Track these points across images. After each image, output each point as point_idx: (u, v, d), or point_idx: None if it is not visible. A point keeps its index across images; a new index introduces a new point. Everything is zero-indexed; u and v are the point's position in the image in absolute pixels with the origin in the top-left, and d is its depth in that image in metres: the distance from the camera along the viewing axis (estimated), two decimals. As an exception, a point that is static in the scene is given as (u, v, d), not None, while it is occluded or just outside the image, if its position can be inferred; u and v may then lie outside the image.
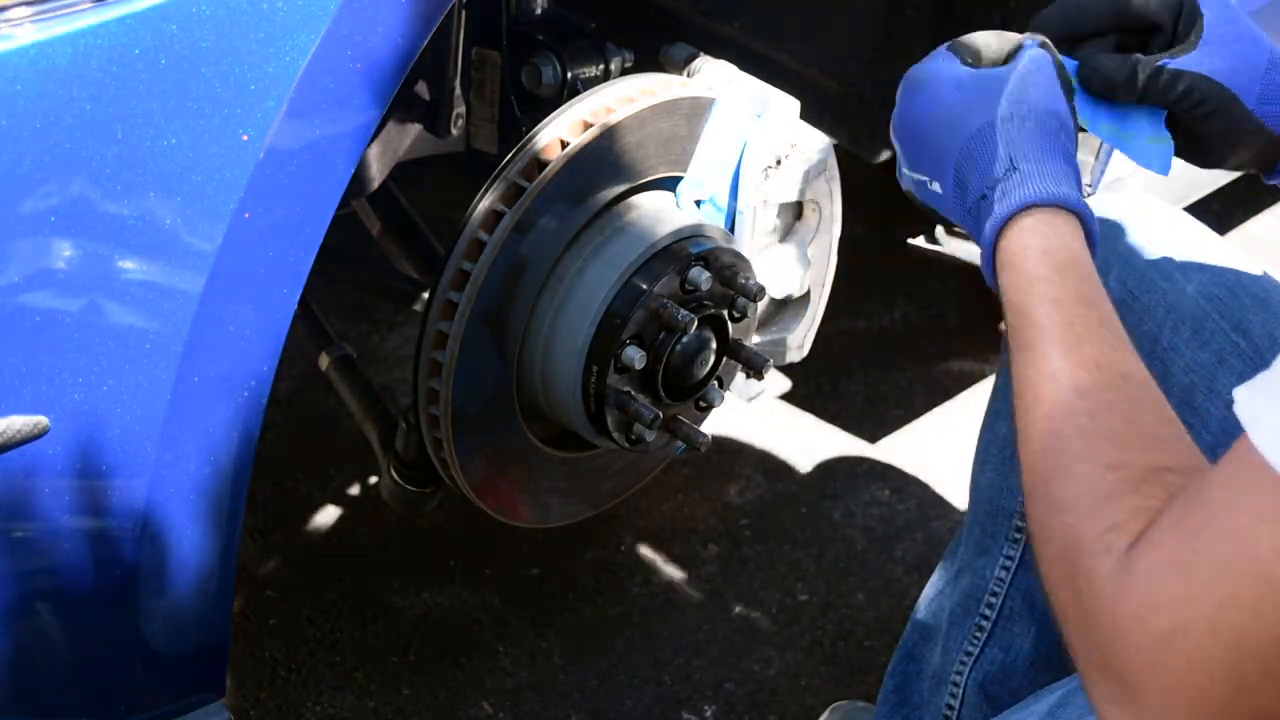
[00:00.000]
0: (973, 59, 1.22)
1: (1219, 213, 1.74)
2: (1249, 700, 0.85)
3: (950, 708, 1.59)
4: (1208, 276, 1.42)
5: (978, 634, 1.57)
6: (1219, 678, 0.84)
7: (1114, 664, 0.89)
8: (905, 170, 1.25)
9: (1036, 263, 1.07)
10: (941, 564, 1.67)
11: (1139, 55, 1.23)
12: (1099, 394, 1.00)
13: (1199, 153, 1.29)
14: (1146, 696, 0.87)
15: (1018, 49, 1.22)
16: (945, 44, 1.25)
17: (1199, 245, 1.46)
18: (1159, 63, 1.22)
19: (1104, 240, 1.40)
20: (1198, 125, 1.25)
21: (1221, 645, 0.84)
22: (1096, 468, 0.96)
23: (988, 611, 1.56)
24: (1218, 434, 1.38)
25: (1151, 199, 1.57)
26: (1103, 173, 1.89)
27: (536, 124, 1.56)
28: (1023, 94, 1.15)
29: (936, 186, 1.20)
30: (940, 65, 1.22)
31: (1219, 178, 2.34)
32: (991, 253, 1.11)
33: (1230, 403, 1.37)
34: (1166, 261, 1.45)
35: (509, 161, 1.55)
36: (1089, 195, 1.93)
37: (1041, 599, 1.53)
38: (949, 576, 1.63)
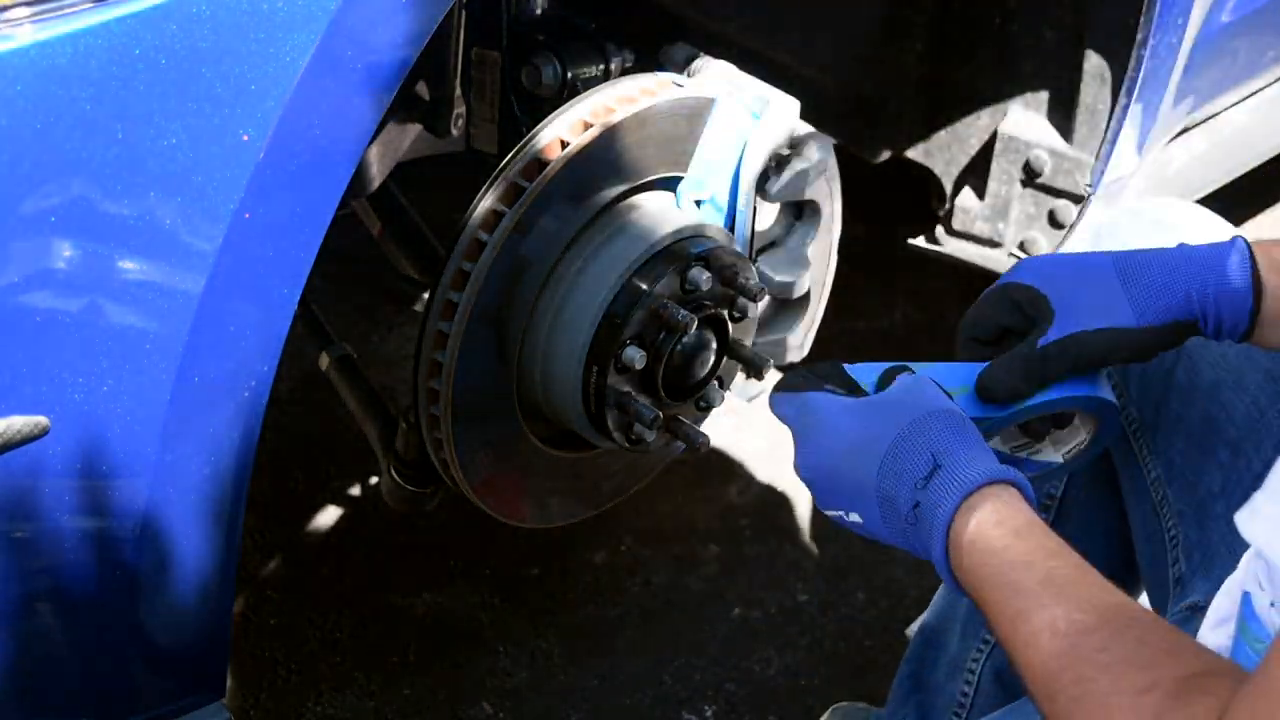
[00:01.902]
0: (846, 389, 1.24)
1: (1219, 212, 1.74)
2: None
3: (965, 694, 1.60)
4: None
5: (990, 636, 1.58)
6: None
7: None
8: (824, 510, 1.24)
9: (994, 536, 1.09)
10: None
11: (1020, 349, 1.26)
12: (1104, 628, 1.00)
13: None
14: None
15: (886, 379, 1.25)
16: (802, 375, 1.26)
17: (1220, 234, 1.47)
18: (1037, 347, 1.25)
19: (1134, 234, 1.42)
20: (1116, 364, 1.29)
21: None
22: (1130, 697, 0.95)
23: None
24: (1242, 427, 1.39)
25: (1171, 200, 1.59)
26: (1103, 173, 1.89)
27: (536, 124, 1.56)
28: (917, 403, 1.18)
29: (856, 517, 1.19)
30: (822, 402, 1.22)
31: (1218, 178, 2.35)
32: (944, 552, 1.12)
33: (1256, 399, 1.39)
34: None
35: (509, 161, 1.55)
36: (1089, 195, 1.94)
37: None
38: None
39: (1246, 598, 1.06)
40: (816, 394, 1.23)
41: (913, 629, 1.98)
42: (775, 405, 1.26)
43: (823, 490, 1.22)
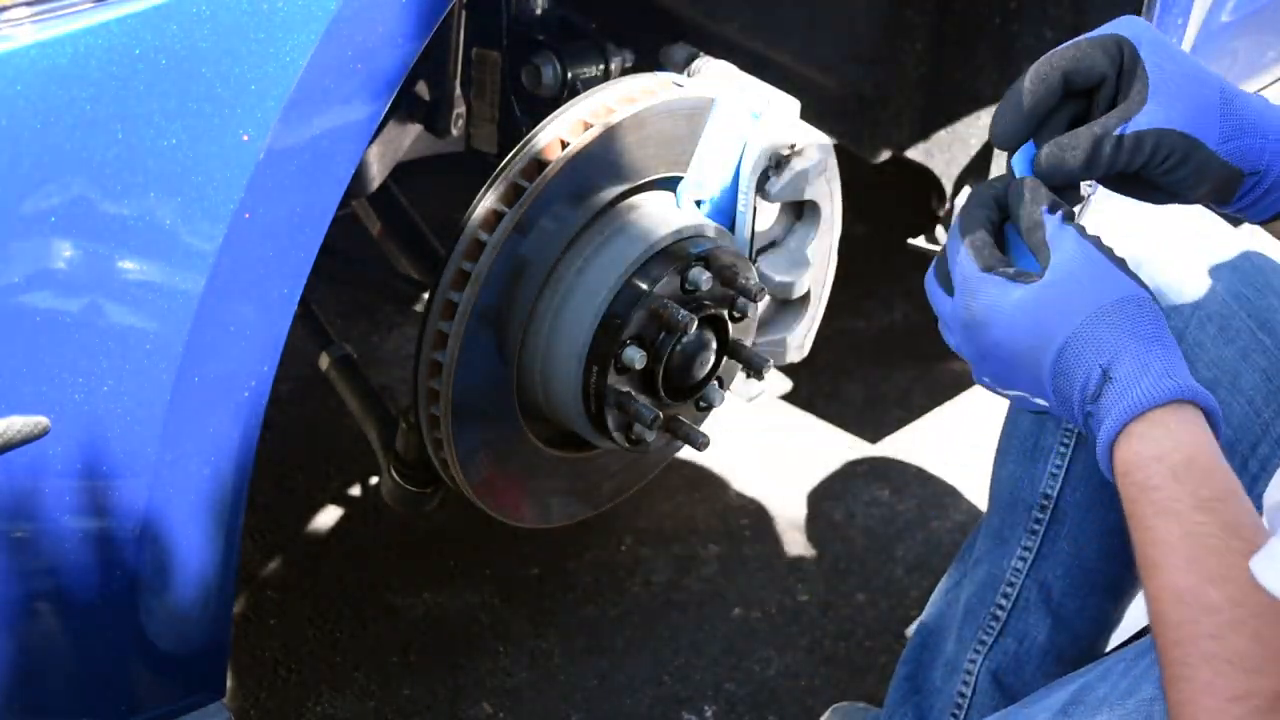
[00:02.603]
0: (1006, 265, 1.15)
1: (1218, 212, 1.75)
2: None
3: (962, 695, 1.60)
4: (1236, 276, 1.43)
5: (992, 624, 1.58)
6: None
7: None
8: (1000, 389, 1.17)
9: (1150, 472, 1.03)
10: (959, 555, 1.69)
11: (1094, 128, 1.16)
12: (1227, 611, 0.97)
13: (1162, 197, 1.23)
14: None
15: (1034, 222, 1.14)
16: (961, 242, 1.16)
17: (1228, 245, 1.47)
18: (1116, 131, 1.15)
19: (1136, 239, 1.42)
20: (1164, 177, 1.19)
21: None
22: (1221, 700, 0.94)
23: (1003, 602, 1.57)
24: (1239, 429, 1.38)
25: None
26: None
27: (536, 124, 1.56)
28: (1089, 293, 1.09)
29: (1041, 401, 1.14)
30: (991, 292, 1.13)
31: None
32: (1110, 470, 1.07)
33: (1252, 399, 1.38)
34: (1196, 260, 1.46)
35: (509, 161, 1.55)
36: (1090, 195, 1.94)
37: (1057, 591, 1.55)
38: (966, 566, 1.65)
39: None
40: (982, 278, 1.13)
41: (912, 629, 1.98)
42: (930, 284, 1.20)
43: (1000, 377, 1.15)
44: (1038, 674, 1.56)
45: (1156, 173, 1.18)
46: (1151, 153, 1.16)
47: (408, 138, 1.81)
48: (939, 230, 2.09)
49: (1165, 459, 1.03)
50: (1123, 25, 1.19)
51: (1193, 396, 1.05)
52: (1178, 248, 1.47)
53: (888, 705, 1.70)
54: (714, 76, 1.70)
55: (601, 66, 1.75)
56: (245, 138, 1.17)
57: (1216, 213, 1.34)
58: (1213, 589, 0.98)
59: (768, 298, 1.78)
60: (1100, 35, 1.18)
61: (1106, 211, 1.48)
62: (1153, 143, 1.15)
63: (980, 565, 1.61)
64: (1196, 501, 1.02)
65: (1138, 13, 1.75)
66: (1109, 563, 1.54)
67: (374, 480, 2.27)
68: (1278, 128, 1.20)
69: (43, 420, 1.17)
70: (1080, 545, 1.54)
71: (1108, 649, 1.61)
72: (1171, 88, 1.16)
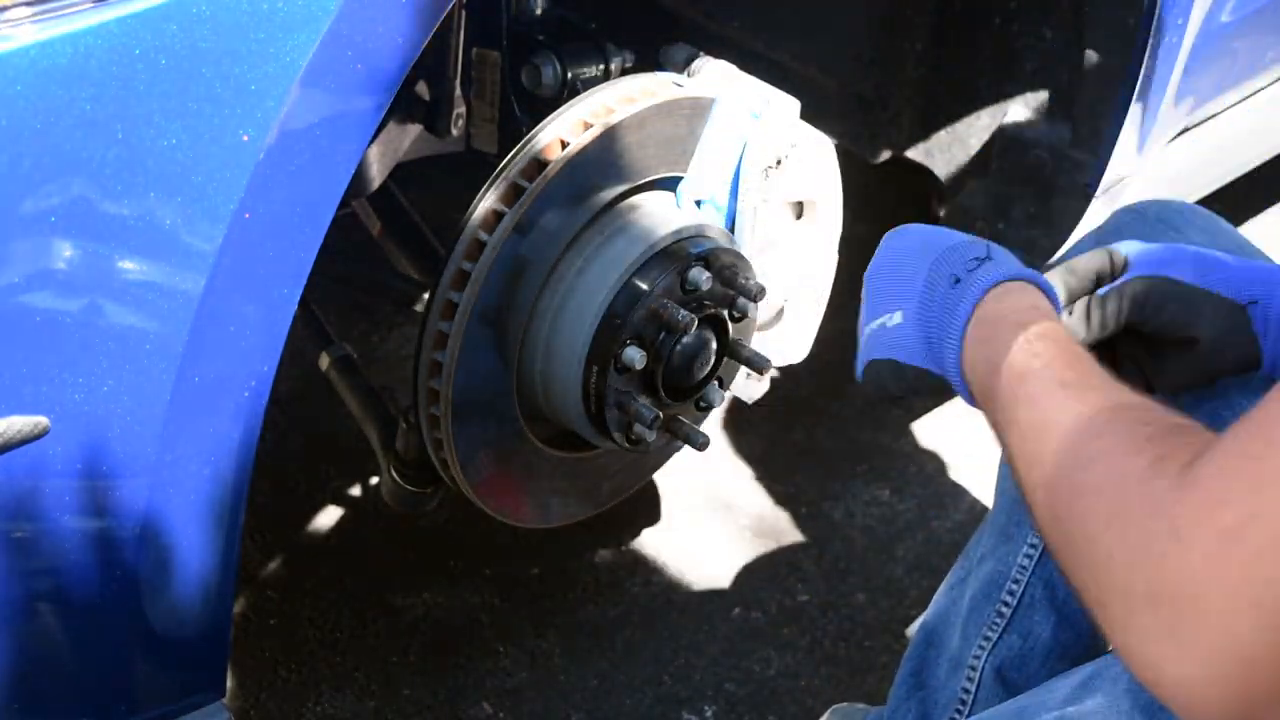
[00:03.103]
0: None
1: (1221, 213, 1.74)
2: None
3: (967, 691, 1.60)
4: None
5: (997, 620, 1.58)
6: None
7: (1169, 580, 0.84)
8: (867, 323, 1.31)
9: (1022, 316, 1.14)
10: (964, 551, 1.69)
11: (1087, 299, 1.30)
12: (1109, 412, 0.99)
13: (1180, 365, 1.32)
14: (1206, 604, 0.82)
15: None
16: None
17: (1222, 236, 1.49)
18: (1098, 294, 1.29)
19: (1137, 234, 1.45)
20: (1162, 328, 1.29)
21: None
22: (1125, 438, 0.95)
23: (1009, 598, 1.58)
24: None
25: (1172, 199, 1.60)
26: (1103, 173, 1.89)
27: (536, 124, 1.56)
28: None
29: (897, 318, 1.25)
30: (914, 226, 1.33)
31: (1218, 177, 2.35)
32: (961, 334, 1.18)
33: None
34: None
35: (509, 161, 1.55)
36: (1089, 195, 1.94)
37: (1063, 588, 1.55)
38: (972, 562, 1.65)
39: None
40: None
41: (913, 629, 1.98)
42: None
43: (878, 289, 1.30)
44: (1042, 671, 1.57)
45: (1149, 323, 1.29)
46: (1132, 300, 1.28)
47: (408, 138, 1.81)
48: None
49: (1034, 312, 1.16)
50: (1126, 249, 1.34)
51: (1047, 287, 1.20)
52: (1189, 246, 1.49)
53: (891, 702, 1.70)
54: (714, 76, 1.70)
55: (601, 66, 1.75)
56: (245, 138, 1.17)
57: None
58: (1092, 402, 1.02)
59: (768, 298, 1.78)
60: (1096, 253, 1.33)
61: (1106, 211, 1.51)
62: (1132, 291, 1.28)
63: (986, 562, 1.61)
64: (1062, 348, 1.10)
65: (1137, 13, 1.75)
66: None
67: (374, 480, 2.27)
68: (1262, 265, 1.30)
69: (43, 420, 1.17)
70: None
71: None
72: (1146, 256, 1.32)
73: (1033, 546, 1.57)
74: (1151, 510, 0.87)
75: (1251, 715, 0.83)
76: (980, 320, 1.17)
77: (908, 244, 1.30)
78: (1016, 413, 1.07)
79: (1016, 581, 1.58)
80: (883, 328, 1.27)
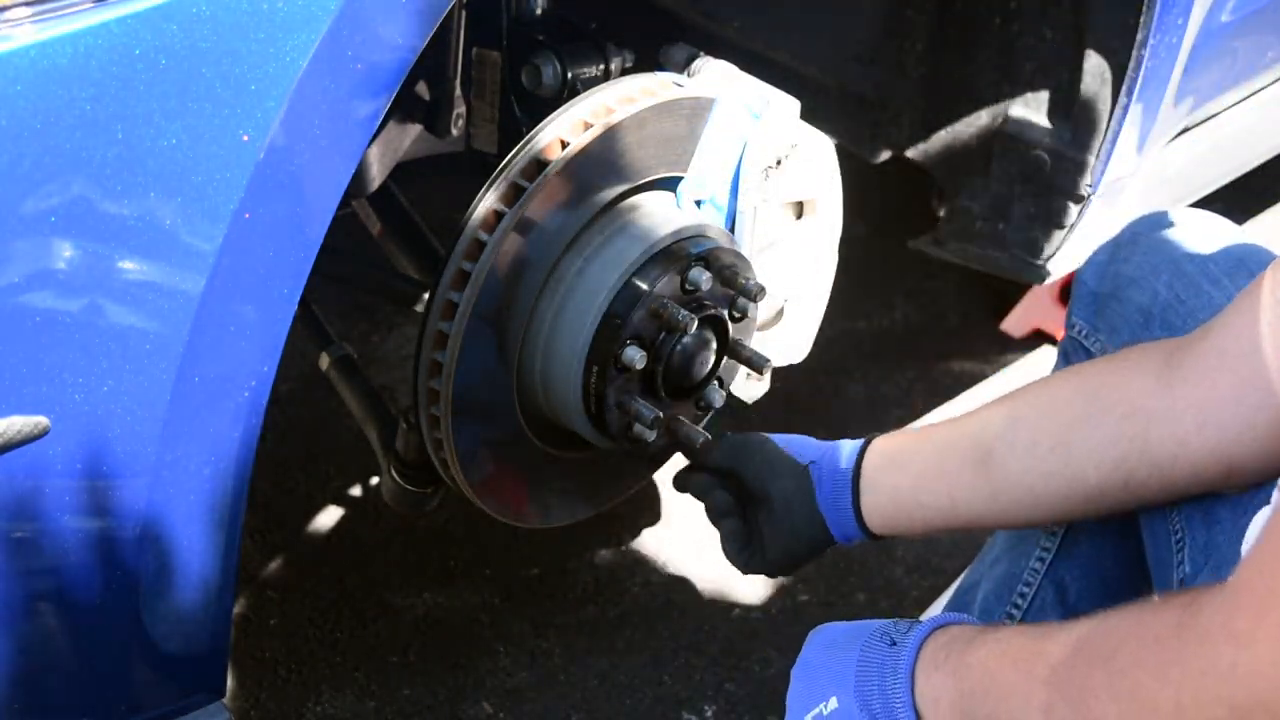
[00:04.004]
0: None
1: (1221, 213, 1.74)
2: None
3: None
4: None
5: (1008, 622, 1.58)
6: None
7: (1246, 687, 0.89)
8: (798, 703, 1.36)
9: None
10: (979, 555, 1.69)
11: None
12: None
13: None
14: None
15: None
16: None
17: (1243, 251, 1.50)
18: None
19: (1155, 246, 1.46)
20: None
21: None
22: (1133, 623, 1.03)
23: (1020, 601, 1.58)
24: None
25: (1192, 210, 1.61)
26: (1103, 173, 1.89)
27: (536, 124, 1.56)
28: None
29: (834, 702, 1.29)
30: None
31: (1218, 177, 2.35)
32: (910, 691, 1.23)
33: None
34: (1214, 267, 1.49)
35: (509, 161, 1.55)
36: (1090, 195, 1.94)
37: (1073, 591, 1.56)
38: (985, 565, 1.65)
39: None
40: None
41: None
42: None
43: (808, 680, 1.35)
44: None
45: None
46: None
47: (408, 138, 1.81)
48: (939, 230, 2.09)
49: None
50: None
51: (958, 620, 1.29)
52: (1198, 253, 1.52)
53: None
54: (714, 76, 1.70)
55: (601, 66, 1.74)
56: (245, 138, 1.17)
57: None
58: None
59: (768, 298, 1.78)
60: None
61: (1119, 219, 1.54)
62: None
63: (999, 565, 1.62)
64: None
65: (1137, 13, 1.75)
66: (1126, 568, 1.54)
67: (374, 480, 2.27)
68: None
69: (43, 420, 1.17)
70: (1099, 548, 1.55)
71: None
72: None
73: (1045, 550, 1.57)
74: (1203, 636, 0.91)
75: None
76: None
77: (834, 634, 1.37)
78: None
79: (1028, 585, 1.58)
80: (818, 718, 1.30)
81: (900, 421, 2.53)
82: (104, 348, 1.18)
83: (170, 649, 1.40)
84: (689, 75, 1.70)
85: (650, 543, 2.24)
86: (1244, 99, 2.25)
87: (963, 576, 1.71)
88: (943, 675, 1.19)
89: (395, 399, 2.34)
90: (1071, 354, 1.62)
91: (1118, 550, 1.54)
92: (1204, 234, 1.54)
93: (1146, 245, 1.56)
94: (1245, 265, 1.47)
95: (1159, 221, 1.59)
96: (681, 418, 1.67)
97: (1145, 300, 1.52)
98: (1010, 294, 2.66)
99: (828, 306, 1.88)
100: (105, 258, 1.15)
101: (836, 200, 1.80)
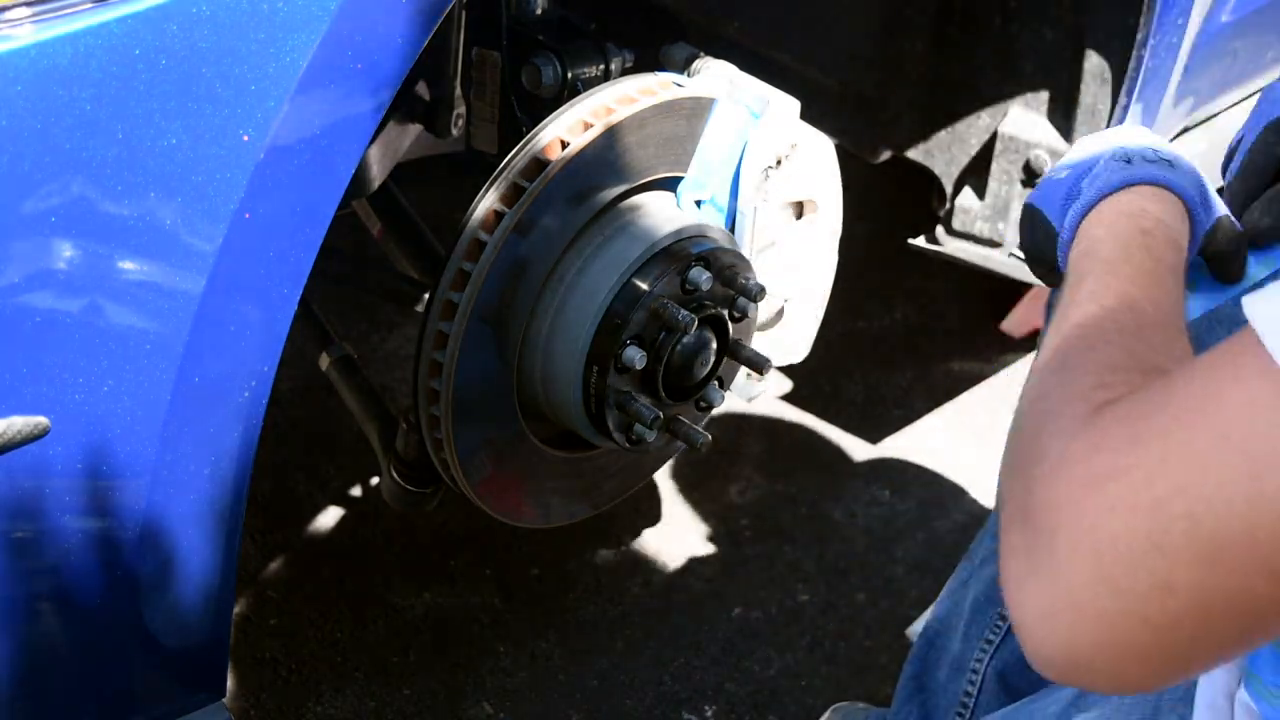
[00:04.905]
0: None
1: (1219, 213, 1.78)
2: (1161, 563, 0.77)
3: (968, 694, 1.60)
4: None
5: (1000, 623, 1.58)
6: (1138, 532, 0.78)
7: (1036, 505, 0.83)
8: (1050, 176, 1.28)
9: (1132, 211, 1.12)
10: (967, 553, 1.69)
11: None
12: (1110, 320, 0.97)
13: None
14: (1056, 540, 0.81)
15: None
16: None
17: None
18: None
19: None
20: None
21: (1151, 497, 0.78)
22: (1100, 355, 0.93)
23: None
24: None
25: None
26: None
27: (536, 124, 1.56)
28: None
29: (1065, 172, 1.24)
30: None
31: (1218, 178, 2.34)
32: (1079, 219, 1.14)
33: None
34: None
35: (509, 162, 1.55)
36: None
37: None
38: (974, 566, 1.65)
39: None
40: None
41: (914, 629, 1.98)
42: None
43: (1077, 153, 1.26)
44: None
45: None
46: None
47: (408, 138, 1.81)
48: (939, 230, 2.09)
49: (1146, 213, 1.14)
50: None
51: (1186, 195, 1.18)
52: None
53: (894, 704, 1.71)
54: (714, 76, 1.70)
55: (601, 66, 1.74)
56: (245, 138, 1.17)
57: None
58: (1107, 302, 1.00)
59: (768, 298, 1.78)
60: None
61: None
62: None
63: (988, 564, 1.61)
64: (1141, 239, 1.09)
65: (1137, 13, 1.75)
66: None
67: (374, 480, 2.27)
68: None
69: (43, 420, 1.17)
70: None
71: None
72: None
73: None
74: (1057, 431, 0.86)
75: (1072, 664, 0.81)
76: (1108, 207, 1.14)
77: (1124, 132, 1.29)
78: (1070, 293, 1.05)
79: None
80: (1050, 177, 1.26)
81: (900, 421, 2.53)
82: (104, 348, 1.18)
83: (170, 649, 1.40)
84: (689, 75, 1.70)
85: (650, 543, 2.24)
86: (1244, 99, 2.25)
87: (953, 576, 1.71)
88: (1088, 230, 1.13)
89: (395, 399, 2.34)
90: None
91: None
92: None
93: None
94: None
95: None
96: (682, 417, 1.67)
97: None
98: (1010, 294, 2.67)
99: (828, 306, 1.88)
100: (105, 258, 1.15)
101: (836, 200, 1.80)
